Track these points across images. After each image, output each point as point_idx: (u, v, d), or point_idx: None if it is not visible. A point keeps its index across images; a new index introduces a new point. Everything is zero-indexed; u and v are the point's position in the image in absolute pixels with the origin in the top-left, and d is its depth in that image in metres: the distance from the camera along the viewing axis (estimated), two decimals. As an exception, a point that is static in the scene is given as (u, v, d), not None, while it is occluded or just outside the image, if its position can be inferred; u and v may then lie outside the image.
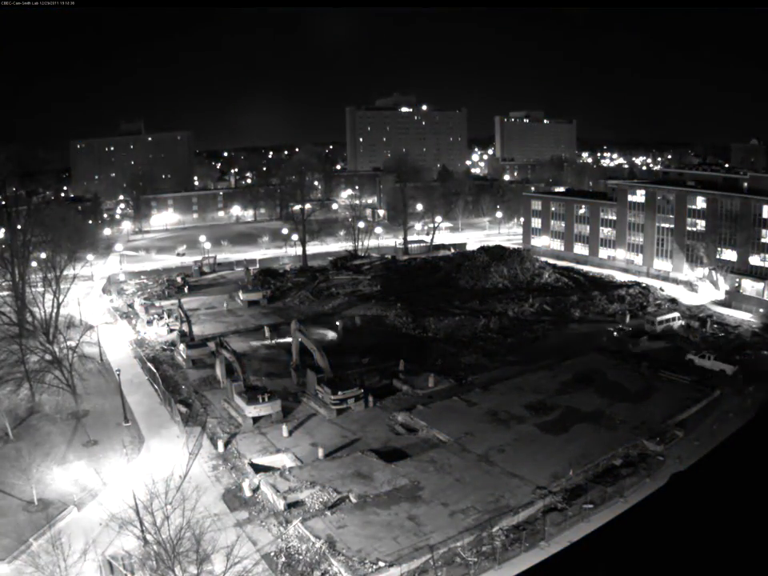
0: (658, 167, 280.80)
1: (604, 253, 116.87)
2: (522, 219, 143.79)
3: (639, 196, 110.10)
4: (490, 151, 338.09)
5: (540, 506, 40.51)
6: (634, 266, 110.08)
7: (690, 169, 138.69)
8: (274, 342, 75.28)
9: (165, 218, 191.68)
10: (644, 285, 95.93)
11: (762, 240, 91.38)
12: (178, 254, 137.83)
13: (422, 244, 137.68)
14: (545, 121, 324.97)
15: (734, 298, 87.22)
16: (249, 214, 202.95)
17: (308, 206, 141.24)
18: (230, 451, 49.23)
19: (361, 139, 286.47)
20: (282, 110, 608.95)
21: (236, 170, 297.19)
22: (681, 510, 40.28)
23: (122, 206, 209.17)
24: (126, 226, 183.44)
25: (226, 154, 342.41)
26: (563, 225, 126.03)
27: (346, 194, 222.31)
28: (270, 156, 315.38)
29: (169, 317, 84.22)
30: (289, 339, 66.79)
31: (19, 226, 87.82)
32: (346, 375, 59.53)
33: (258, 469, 45.67)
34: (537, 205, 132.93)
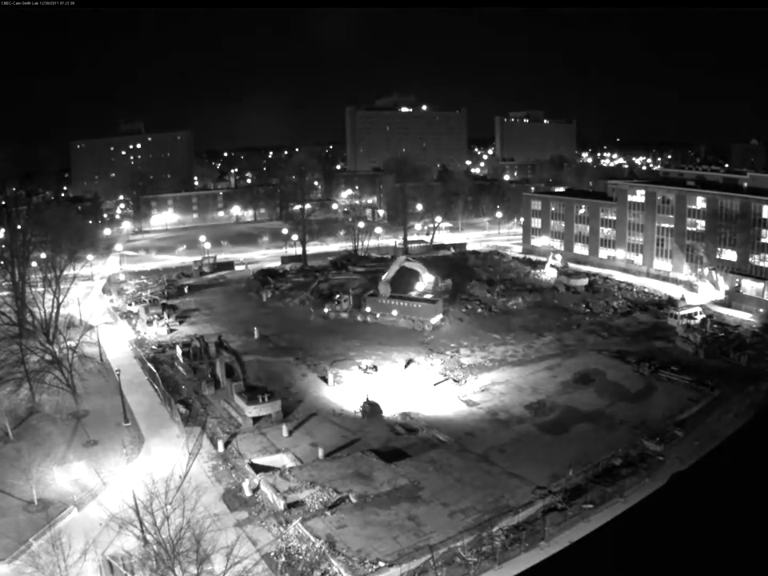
0: (657, 167, 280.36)
1: (604, 253, 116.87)
2: (522, 219, 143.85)
3: (639, 196, 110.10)
4: (490, 151, 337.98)
5: (540, 506, 40.52)
6: (633, 266, 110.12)
7: (690, 169, 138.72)
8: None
9: (165, 218, 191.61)
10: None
11: (762, 240, 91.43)
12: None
13: (421, 244, 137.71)
14: (545, 121, 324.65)
15: (733, 298, 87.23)
16: (249, 214, 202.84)
17: (308, 206, 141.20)
18: (230, 451, 49.20)
19: (361, 139, 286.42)
20: (281, 110, 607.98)
21: (236, 170, 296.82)
22: (681, 509, 40.29)
23: (122, 206, 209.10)
24: (126, 226, 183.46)
25: (226, 154, 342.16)
26: (563, 225, 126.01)
27: (345, 194, 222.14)
28: (269, 156, 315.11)
29: (169, 317, 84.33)
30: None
31: (19, 226, 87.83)
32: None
33: (257, 469, 45.64)
34: (537, 205, 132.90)
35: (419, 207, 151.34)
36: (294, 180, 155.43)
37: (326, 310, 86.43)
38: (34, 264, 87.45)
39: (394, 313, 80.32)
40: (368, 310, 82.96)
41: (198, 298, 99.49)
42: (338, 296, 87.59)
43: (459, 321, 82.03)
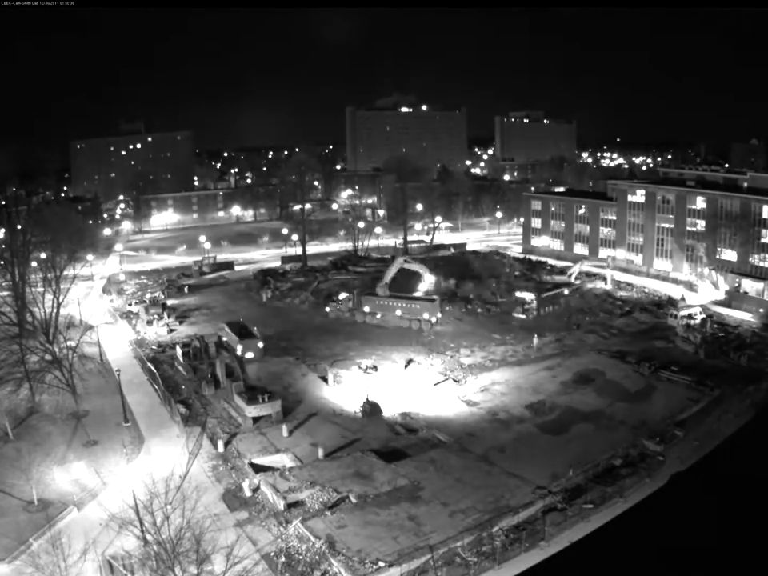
0: (658, 167, 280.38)
1: (604, 253, 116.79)
2: (522, 219, 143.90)
3: (639, 196, 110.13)
4: (490, 151, 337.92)
5: (540, 506, 40.50)
6: (633, 266, 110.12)
7: (690, 169, 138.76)
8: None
9: (165, 218, 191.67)
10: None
11: (762, 240, 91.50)
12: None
13: (421, 244, 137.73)
14: (545, 121, 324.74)
15: (733, 298, 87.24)
16: (249, 214, 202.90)
17: (308, 206, 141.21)
18: (230, 451, 49.19)
19: (361, 139, 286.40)
20: (282, 110, 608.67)
21: (236, 169, 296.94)
22: (681, 509, 40.28)
23: (122, 206, 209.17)
24: (126, 226, 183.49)
25: (226, 154, 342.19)
26: (563, 225, 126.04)
27: (345, 194, 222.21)
28: (269, 156, 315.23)
29: (169, 317, 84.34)
30: None
31: (19, 226, 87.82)
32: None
33: (257, 469, 45.63)
34: (537, 205, 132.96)
35: (419, 207, 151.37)
36: (294, 180, 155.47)
37: (327, 309, 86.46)
38: (34, 264, 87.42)
39: (398, 312, 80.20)
40: (366, 309, 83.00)
41: (198, 298, 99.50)
42: (341, 296, 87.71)
43: (459, 321, 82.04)
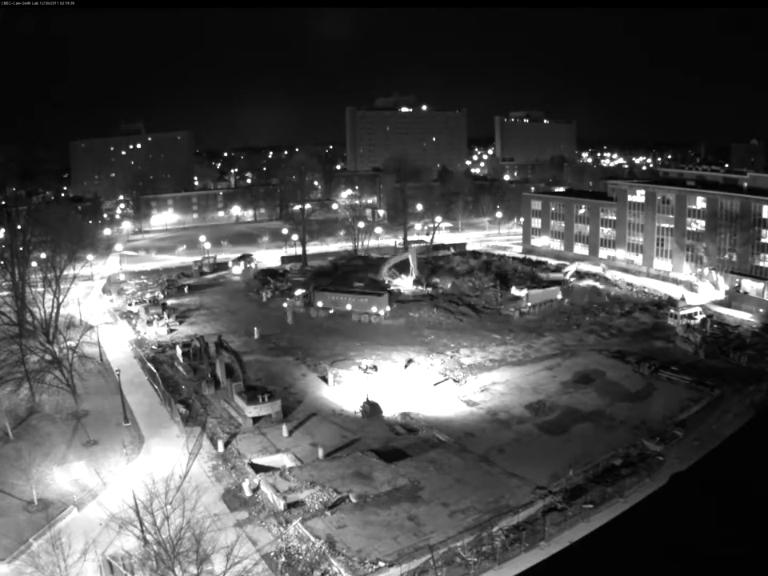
0: (658, 167, 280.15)
1: (604, 253, 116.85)
2: (522, 219, 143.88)
3: (639, 196, 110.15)
4: (490, 151, 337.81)
5: (540, 506, 40.53)
6: (633, 266, 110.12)
7: (690, 169, 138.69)
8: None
9: (165, 218, 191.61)
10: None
11: (762, 240, 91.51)
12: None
13: (421, 244, 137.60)
14: (545, 121, 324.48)
15: (733, 298, 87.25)
16: (249, 214, 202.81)
17: (308, 206, 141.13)
18: (230, 451, 49.21)
19: (361, 139, 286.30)
20: (282, 110, 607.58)
21: (236, 170, 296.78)
22: (681, 510, 40.27)
23: (122, 206, 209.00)
24: (126, 226, 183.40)
25: (226, 154, 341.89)
26: (563, 225, 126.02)
27: (345, 194, 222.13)
28: (270, 156, 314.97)
29: (169, 317, 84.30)
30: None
31: (19, 226, 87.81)
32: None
33: (257, 469, 45.65)
34: (537, 205, 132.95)
35: (419, 207, 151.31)
36: (294, 180, 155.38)
37: (285, 305, 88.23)
38: (34, 264, 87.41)
39: (348, 306, 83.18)
40: (319, 304, 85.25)
41: (198, 298, 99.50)
42: (297, 293, 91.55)
43: (459, 321, 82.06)
